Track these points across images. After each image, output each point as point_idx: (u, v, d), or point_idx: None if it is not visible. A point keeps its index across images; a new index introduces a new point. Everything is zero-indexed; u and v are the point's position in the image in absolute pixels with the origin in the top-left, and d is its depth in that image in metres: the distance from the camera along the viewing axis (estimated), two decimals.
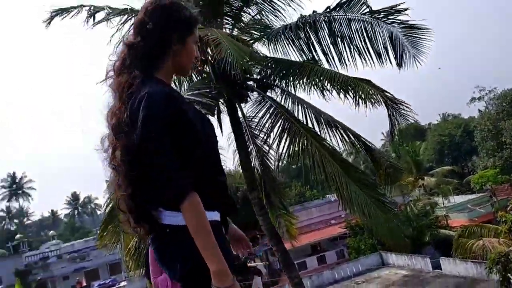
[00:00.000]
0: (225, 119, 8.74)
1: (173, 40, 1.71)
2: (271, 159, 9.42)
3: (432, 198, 33.62)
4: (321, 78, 7.94)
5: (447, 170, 39.71)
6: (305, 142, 7.46)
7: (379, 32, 7.76)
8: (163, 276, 2.86)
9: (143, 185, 1.59)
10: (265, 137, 8.87)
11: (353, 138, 7.95)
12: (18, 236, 53.88)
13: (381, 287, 25.16)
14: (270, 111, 8.23)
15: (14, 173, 65.03)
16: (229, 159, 9.56)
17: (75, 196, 73.58)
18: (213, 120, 8.72)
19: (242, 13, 8.94)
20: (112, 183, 1.69)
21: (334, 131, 7.86)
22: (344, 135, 7.83)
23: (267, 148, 9.15)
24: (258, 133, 9.25)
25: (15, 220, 69.59)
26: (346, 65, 8.13)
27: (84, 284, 39.76)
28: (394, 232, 7.76)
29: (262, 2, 8.66)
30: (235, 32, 8.80)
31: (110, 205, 8.54)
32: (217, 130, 8.79)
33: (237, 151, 8.89)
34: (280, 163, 9.30)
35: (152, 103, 1.54)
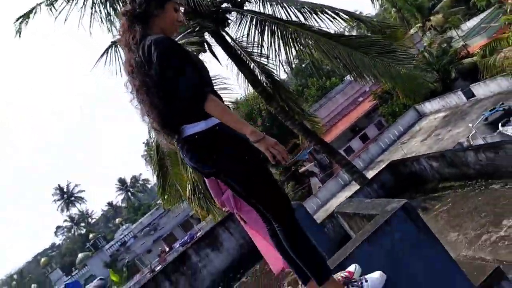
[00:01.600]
0: (219, 52, 8.90)
1: (151, 6, 2.06)
2: (274, 69, 9.58)
3: (445, 34, 32.94)
4: None
5: (450, 0, 38.35)
6: (296, 36, 7.56)
7: None
8: (225, 195, 3.31)
9: (166, 107, 2.00)
10: (259, 49, 8.97)
11: (342, 15, 7.99)
12: (91, 235, 57.48)
13: (425, 135, 25.73)
14: (254, 22, 8.28)
15: (59, 185, 67.81)
16: (239, 86, 9.81)
17: (122, 181, 76.52)
18: (207, 56, 8.90)
19: None
20: (144, 116, 2.11)
21: (321, 15, 7.91)
22: (333, 15, 7.88)
23: (266, 60, 9.28)
24: (251, 49, 9.34)
25: (82, 224, 73.65)
26: None
27: (167, 249, 42.56)
28: (419, 82, 7.95)
29: None
30: None
31: (157, 171, 9.14)
32: (215, 63, 8.97)
33: (240, 73, 9.11)
34: (286, 69, 9.60)
35: (159, 43, 1.95)
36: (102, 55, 8.37)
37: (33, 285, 43.21)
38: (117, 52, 8.16)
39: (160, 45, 1.94)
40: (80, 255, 52.53)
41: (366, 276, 2.10)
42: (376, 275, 2.11)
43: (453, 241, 5.53)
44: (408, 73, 7.54)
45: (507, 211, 5.30)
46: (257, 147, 1.92)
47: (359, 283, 2.03)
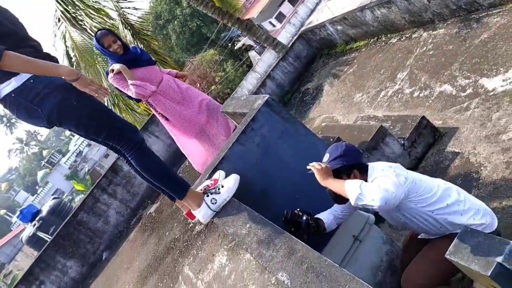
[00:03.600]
0: None
1: None
2: None
3: None
4: None
5: None
6: None
7: None
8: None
9: None
10: None
11: None
12: (45, 152, 56.63)
13: None
14: None
15: None
16: None
17: None
18: None
19: None
20: None
21: None
22: None
23: None
24: None
25: (32, 143, 71.95)
26: None
27: None
28: None
29: None
30: None
31: None
32: None
33: None
34: None
35: None
36: None
37: (1, 211, 43.38)
38: None
39: None
40: (39, 173, 52.29)
41: (222, 182, 2.31)
42: (230, 179, 2.32)
43: (358, 101, 5.90)
44: None
45: (401, 64, 5.61)
46: (76, 86, 1.93)
47: (217, 189, 2.24)
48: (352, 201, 2.12)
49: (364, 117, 4.89)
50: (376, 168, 2.37)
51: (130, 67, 3.94)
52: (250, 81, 25.77)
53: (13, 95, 1.95)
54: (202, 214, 2.20)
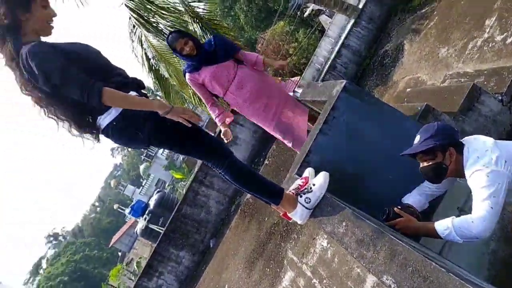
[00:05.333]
0: None
1: (18, 13, 2.03)
2: None
3: None
4: None
5: None
6: None
7: None
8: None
9: (72, 111, 2.11)
10: None
11: None
12: None
13: None
14: None
15: None
16: None
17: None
18: None
19: None
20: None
21: None
22: None
23: None
24: None
25: None
26: None
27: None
28: None
29: None
30: None
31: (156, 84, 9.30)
32: None
33: None
34: None
35: (34, 54, 1.97)
36: None
37: (115, 205, 47.52)
38: None
39: (36, 55, 1.96)
40: (141, 167, 56.18)
41: (313, 181, 2.32)
42: (320, 176, 2.33)
43: (444, 57, 5.51)
44: None
45: (488, 8, 5.11)
46: (169, 117, 2.05)
47: (309, 188, 2.27)
48: (458, 240, 2.08)
49: (453, 74, 4.57)
50: (471, 151, 2.23)
51: (203, 66, 3.99)
52: (325, 47, 25.09)
53: (114, 123, 2.11)
54: (299, 215, 2.25)
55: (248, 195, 6.93)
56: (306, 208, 2.24)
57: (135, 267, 31.64)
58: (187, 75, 4.08)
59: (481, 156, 2.17)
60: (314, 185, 2.27)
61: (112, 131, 2.16)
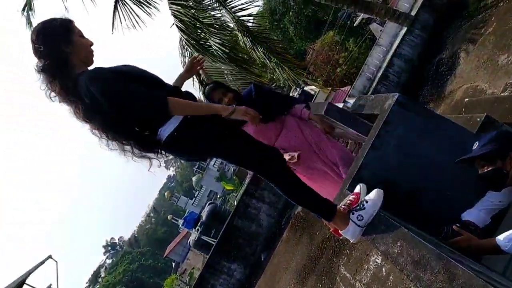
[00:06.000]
0: None
1: (62, 46, 2.10)
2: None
3: None
4: None
5: None
6: None
7: None
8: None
9: (137, 132, 2.16)
10: None
11: None
12: None
13: None
14: None
15: None
16: None
17: None
18: None
19: None
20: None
21: None
22: None
23: None
24: None
25: None
26: None
27: None
28: None
29: None
30: None
31: None
32: None
33: None
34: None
35: (93, 79, 2.04)
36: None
37: (169, 216, 48.73)
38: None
39: (95, 80, 2.02)
40: (193, 179, 57.32)
41: (366, 198, 2.27)
42: (374, 193, 2.27)
43: (505, 64, 5.25)
44: None
45: None
46: (234, 118, 2.10)
47: (361, 206, 2.21)
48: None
49: None
50: None
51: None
52: (376, 56, 24.61)
53: (175, 134, 2.10)
54: (351, 233, 2.19)
55: (299, 208, 6.88)
56: (359, 226, 2.18)
57: (188, 277, 32.16)
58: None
59: None
60: (367, 202, 2.22)
61: (172, 143, 2.14)
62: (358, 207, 2.22)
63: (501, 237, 2.05)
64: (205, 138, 2.15)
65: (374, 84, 8.78)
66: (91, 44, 2.22)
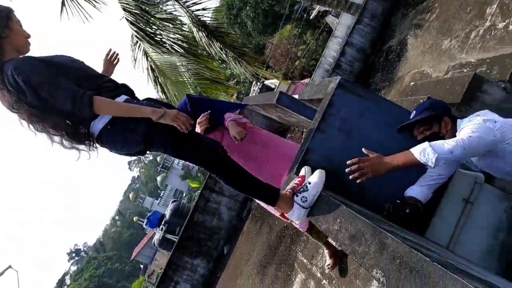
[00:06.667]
0: None
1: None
2: None
3: None
4: None
5: None
6: None
7: None
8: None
9: (64, 122, 2.11)
10: None
11: None
12: (159, 158, 61.21)
13: None
14: None
15: None
16: None
17: None
18: None
19: None
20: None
21: None
22: None
23: None
24: None
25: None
26: None
27: None
28: None
29: None
30: None
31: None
32: None
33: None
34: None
35: (19, 68, 1.99)
36: None
37: (134, 218, 47.96)
38: None
39: (21, 70, 1.97)
40: (158, 179, 56.61)
41: (308, 180, 2.29)
42: (316, 174, 2.30)
43: (448, 48, 5.44)
44: None
45: None
46: (163, 122, 2.06)
47: (305, 187, 2.24)
48: (431, 163, 2.00)
49: (456, 65, 4.50)
50: (464, 120, 2.31)
51: None
52: (333, 47, 25.00)
53: (108, 127, 2.09)
54: (296, 215, 2.22)
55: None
56: (303, 207, 2.21)
57: (156, 278, 31.79)
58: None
59: (472, 119, 2.24)
60: (310, 183, 2.25)
61: (106, 135, 2.13)
62: (301, 189, 2.24)
63: (415, 150, 2.10)
64: (141, 130, 2.10)
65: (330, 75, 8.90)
66: (28, 36, 2.18)
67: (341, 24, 26.65)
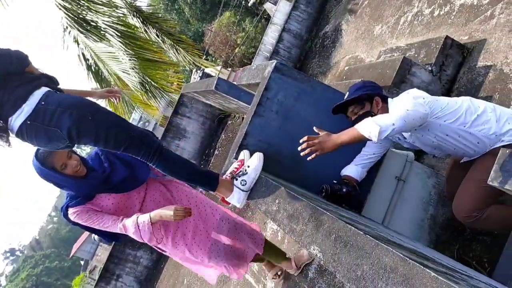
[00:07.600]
0: None
1: None
2: None
3: None
4: None
5: None
6: None
7: None
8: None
9: None
10: None
11: None
12: None
13: None
14: None
15: None
16: None
17: None
18: None
19: None
20: None
21: None
22: None
23: None
24: None
25: None
26: None
27: None
28: None
29: None
30: None
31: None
32: None
33: None
34: None
35: None
36: None
37: None
38: None
39: None
40: None
41: (247, 163, 2.30)
42: (254, 157, 2.31)
43: (379, 34, 5.64)
44: None
45: None
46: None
47: (244, 171, 2.25)
48: (374, 136, 2.08)
49: (387, 50, 4.68)
50: (393, 98, 2.47)
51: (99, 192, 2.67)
52: (271, 35, 25.23)
53: (28, 122, 1.94)
54: (236, 198, 2.22)
55: (199, 188, 6.84)
56: (242, 190, 2.22)
57: (99, 273, 30.88)
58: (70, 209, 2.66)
59: (404, 96, 2.38)
60: (248, 167, 2.26)
61: (27, 132, 1.98)
62: (241, 173, 2.25)
63: (360, 125, 2.17)
64: (66, 125, 1.98)
65: None
66: None
67: (279, 11, 26.88)
